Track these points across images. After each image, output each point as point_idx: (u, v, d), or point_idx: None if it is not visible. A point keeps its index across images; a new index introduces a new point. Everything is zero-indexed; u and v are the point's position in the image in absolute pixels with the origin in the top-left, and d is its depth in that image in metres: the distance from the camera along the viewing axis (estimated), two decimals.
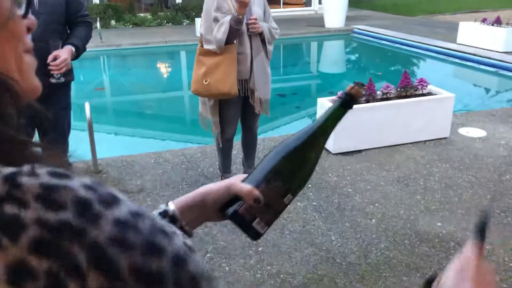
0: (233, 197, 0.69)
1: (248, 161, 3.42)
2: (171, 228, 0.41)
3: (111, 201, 0.36)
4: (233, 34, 2.81)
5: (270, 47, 3.04)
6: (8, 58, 0.43)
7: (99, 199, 0.35)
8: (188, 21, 13.21)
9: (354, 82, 0.81)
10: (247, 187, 0.68)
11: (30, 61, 0.47)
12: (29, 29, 0.47)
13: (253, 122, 3.23)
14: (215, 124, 3.11)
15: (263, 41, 2.97)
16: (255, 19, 2.87)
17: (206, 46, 2.90)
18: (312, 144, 0.71)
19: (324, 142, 0.73)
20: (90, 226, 0.33)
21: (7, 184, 0.33)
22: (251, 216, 0.68)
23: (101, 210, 0.34)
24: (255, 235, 0.70)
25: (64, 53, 2.49)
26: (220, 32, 2.80)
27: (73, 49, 2.56)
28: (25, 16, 0.46)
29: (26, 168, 0.35)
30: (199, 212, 0.71)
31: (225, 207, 0.70)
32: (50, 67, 2.42)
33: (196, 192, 0.73)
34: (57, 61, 2.43)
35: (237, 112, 3.15)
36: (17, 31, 0.45)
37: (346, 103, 0.70)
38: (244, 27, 2.86)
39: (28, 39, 0.47)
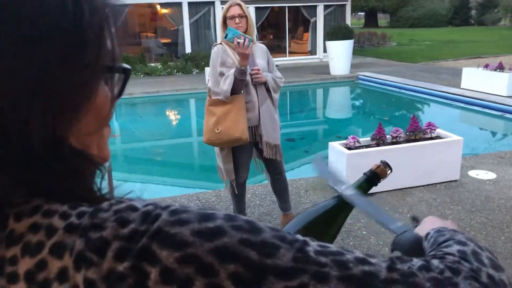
0: None
1: (283, 204, 3.48)
2: None
3: (166, 209, 0.43)
4: (238, 84, 2.97)
5: (275, 95, 3.18)
6: (93, 137, 0.49)
7: (161, 207, 0.42)
8: (197, 70, 13.61)
9: (380, 161, 0.84)
10: None
11: (108, 132, 0.52)
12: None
13: (276, 167, 3.32)
14: (229, 171, 3.19)
15: (268, 90, 3.12)
16: (258, 69, 3.03)
17: (214, 97, 3.05)
18: (333, 216, 0.76)
19: (346, 215, 0.77)
20: (151, 226, 0.40)
21: (91, 217, 0.41)
22: None
23: (160, 213, 0.41)
24: None
25: None
26: (226, 84, 2.96)
27: None
28: (117, 98, 0.51)
29: (106, 203, 0.43)
30: None
31: None
32: None
33: None
34: None
35: (249, 157, 3.26)
36: (110, 114, 0.50)
37: (371, 181, 0.74)
38: (248, 78, 3.02)
39: (112, 113, 0.52)
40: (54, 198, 0.43)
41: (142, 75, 13.36)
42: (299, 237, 0.43)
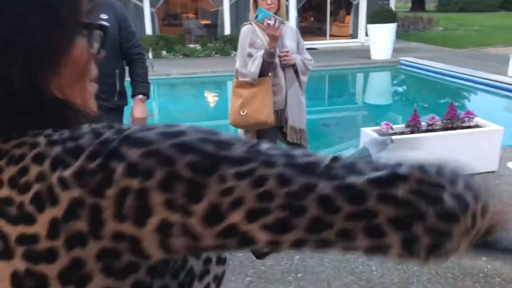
0: None
1: None
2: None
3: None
4: (267, 67, 2.92)
5: (304, 78, 3.12)
6: (76, 89, 0.52)
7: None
8: (235, 52, 13.58)
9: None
10: None
11: (91, 88, 0.56)
12: (96, 58, 0.55)
13: None
14: None
15: (296, 73, 3.06)
16: (287, 51, 2.97)
17: (241, 79, 3.02)
18: None
19: None
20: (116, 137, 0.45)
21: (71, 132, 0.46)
22: None
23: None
24: (261, 255, 0.74)
25: (139, 112, 2.91)
26: (254, 65, 2.92)
27: (142, 97, 2.92)
28: (97, 54, 0.55)
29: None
30: None
31: None
32: None
33: None
34: (137, 122, 2.89)
35: (274, 141, 3.23)
36: (88, 68, 0.53)
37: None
38: (277, 60, 2.96)
39: (94, 68, 0.55)
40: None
41: (181, 56, 13.48)
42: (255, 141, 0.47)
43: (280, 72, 3.02)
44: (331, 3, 16.37)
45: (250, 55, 2.99)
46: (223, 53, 13.74)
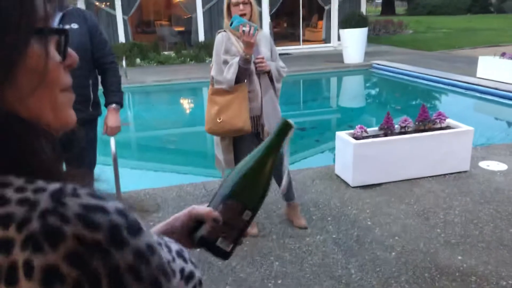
0: (198, 222, 0.74)
1: (286, 195, 3.44)
2: (174, 263, 0.52)
3: (137, 230, 0.42)
4: (242, 73, 2.93)
5: (278, 85, 3.15)
6: (43, 101, 0.47)
7: (127, 226, 0.41)
8: (210, 59, 13.57)
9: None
10: (205, 209, 0.73)
11: (66, 98, 0.51)
12: (70, 66, 0.52)
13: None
14: (229, 162, 3.17)
15: (271, 79, 3.08)
16: (262, 58, 2.99)
17: (217, 86, 3.03)
18: (260, 163, 0.76)
19: (273, 160, 0.77)
20: (116, 250, 0.39)
21: (53, 201, 0.40)
22: (214, 236, 0.73)
23: (127, 237, 0.40)
24: (224, 255, 0.74)
25: (112, 121, 2.90)
26: (230, 72, 2.92)
27: (116, 106, 2.91)
28: (63, 60, 0.50)
29: (69, 187, 0.42)
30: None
31: (192, 233, 0.74)
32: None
33: (166, 221, 0.76)
34: (111, 132, 2.94)
35: (250, 147, 3.22)
36: (53, 76, 0.49)
37: (288, 124, 0.76)
38: (252, 67, 2.98)
39: (67, 77, 0.51)
40: (5, 170, 0.43)
41: (155, 64, 13.38)
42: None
43: (255, 79, 3.03)
44: (303, 9, 16.53)
45: (225, 62, 2.99)
46: (197, 59, 13.70)
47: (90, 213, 0.40)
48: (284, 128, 0.77)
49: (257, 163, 0.76)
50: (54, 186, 0.42)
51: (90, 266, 0.38)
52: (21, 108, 0.45)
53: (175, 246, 0.60)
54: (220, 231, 0.73)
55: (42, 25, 0.47)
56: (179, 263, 0.57)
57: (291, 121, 0.79)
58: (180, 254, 0.58)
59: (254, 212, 0.74)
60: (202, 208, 0.73)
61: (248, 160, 0.77)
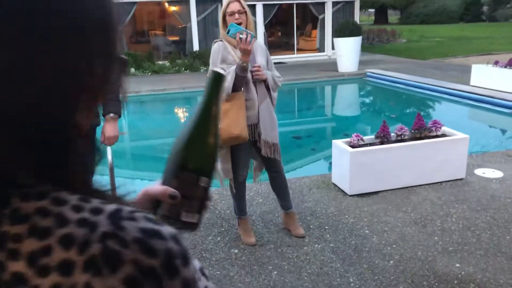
0: (156, 203, 0.70)
1: (283, 202, 3.44)
2: (201, 283, 0.52)
3: (187, 259, 0.43)
4: (240, 81, 2.94)
5: (274, 94, 3.16)
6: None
7: (180, 254, 0.43)
8: (205, 68, 13.61)
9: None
10: (159, 188, 0.70)
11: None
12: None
13: (274, 166, 3.29)
14: (227, 171, 3.17)
15: (267, 88, 3.09)
16: (259, 66, 3.01)
17: None
18: (201, 125, 0.71)
19: (213, 118, 0.73)
20: (168, 278, 0.41)
21: (112, 224, 0.41)
22: (176, 212, 0.69)
23: (179, 266, 0.42)
24: (192, 227, 0.70)
25: (110, 131, 2.88)
26: (227, 80, 2.93)
27: (114, 116, 2.90)
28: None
29: (126, 209, 0.43)
30: None
31: (154, 214, 0.70)
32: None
33: None
34: (108, 141, 2.90)
35: (248, 156, 3.23)
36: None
37: (217, 77, 0.73)
38: (249, 75, 2.99)
39: None
40: (59, 185, 0.44)
41: (150, 73, 13.38)
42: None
43: (252, 87, 3.04)
44: (297, 18, 16.63)
45: (222, 71, 3.00)
46: (192, 69, 13.73)
47: (148, 238, 0.41)
48: (216, 81, 0.74)
49: (198, 126, 0.71)
50: (110, 207, 0.43)
51: None
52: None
53: (197, 264, 0.60)
54: (181, 205, 0.69)
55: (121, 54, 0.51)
56: (203, 280, 0.57)
57: (220, 70, 0.77)
58: (202, 272, 0.59)
59: (210, 176, 0.71)
60: (156, 188, 0.70)
61: (189, 126, 0.71)
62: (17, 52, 0.40)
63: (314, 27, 16.99)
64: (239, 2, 2.99)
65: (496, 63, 9.11)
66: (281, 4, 15.86)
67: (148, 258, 0.40)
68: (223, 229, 3.56)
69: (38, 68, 0.41)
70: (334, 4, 15.86)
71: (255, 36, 2.94)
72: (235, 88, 2.96)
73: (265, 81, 3.07)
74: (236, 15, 2.97)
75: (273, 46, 16.65)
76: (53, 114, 0.43)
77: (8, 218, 0.41)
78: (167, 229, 0.43)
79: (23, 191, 0.42)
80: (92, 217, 0.41)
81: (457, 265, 2.96)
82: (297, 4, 16.07)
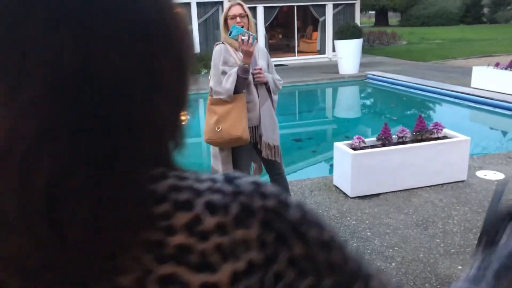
0: None
1: None
2: None
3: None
4: (241, 83, 2.95)
5: (275, 97, 3.18)
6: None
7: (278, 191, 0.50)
8: (206, 70, 13.63)
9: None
10: None
11: None
12: None
13: (275, 168, 3.29)
14: None
15: (268, 91, 3.10)
16: (260, 69, 3.02)
17: (216, 97, 3.04)
18: None
19: None
20: (285, 212, 0.47)
21: (231, 186, 0.47)
22: None
23: (289, 201, 0.49)
24: None
25: None
26: (229, 82, 2.94)
27: None
28: None
29: (221, 175, 0.49)
30: None
31: None
32: None
33: None
34: None
35: (249, 157, 3.24)
36: None
37: None
38: (250, 77, 3.00)
39: None
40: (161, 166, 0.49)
41: None
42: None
43: (253, 90, 3.05)
44: (298, 20, 16.66)
45: (224, 73, 3.01)
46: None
47: (260, 188, 0.47)
48: None
49: None
50: (216, 176, 0.49)
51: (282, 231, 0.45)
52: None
53: None
54: None
55: None
56: None
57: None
58: None
59: None
60: None
61: None
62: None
63: (315, 29, 17.01)
64: (241, 5, 3.01)
65: (497, 65, 9.12)
66: (281, 6, 15.91)
67: (267, 201, 0.46)
68: None
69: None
70: (334, 6, 15.89)
71: (256, 38, 2.95)
72: (237, 90, 2.96)
73: (266, 84, 3.08)
74: (238, 19, 2.98)
75: (274, 49, 16.68)
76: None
77: (149, 199, 0.45)
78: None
79: (149, 175, 0.46)
80: (215, 184, 0.47)
81: (459, 267, 2.95)
82: (298, 6, 16.11)
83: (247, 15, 3.02)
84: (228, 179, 0.48)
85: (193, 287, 0.42)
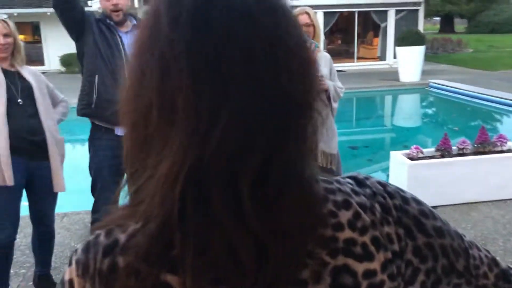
0: None
1: None
2: None
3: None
4: None
5: (335, 105, 3.15)
6: None
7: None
8: None
9: None
10: None
11: None
12: None
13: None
14: None
15: (328, 98, 3.09)
16: (321, 76, 3.02)
17: None
18: None
19: None
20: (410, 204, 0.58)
21: (380, 185, 0.57)
22: None
23: (408, 195, 0.60)
24: None
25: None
26: None
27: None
28: None
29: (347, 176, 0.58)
30: None
31: None
32: None
33: None
34: None
35: None
36: None
37: None
38: None
39: None
40: None
41: None
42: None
43: None
44: (358, 26, 16.45)
45: None
46: None
47: (387, 187, 0.57)
48: None
49: None
50: (346, 178, 0.57)
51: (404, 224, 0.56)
52: None
53: None
54: None
55: None
56: None
57: None
58: None
59: None
60: None
61: None
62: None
63: (376, 35, 16.74)
64: (308, 14, 3.03)
65: None
66: (342, 11, 15.77)
67: (395, 200, 0.56)
68: None
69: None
70: (397, 12, 15.54)
71: (318, 46, 2.97)
72: None
73: (326, 91, 3.08)
74: (304, 28, 3.01)
75: (333, 54, 16.28)
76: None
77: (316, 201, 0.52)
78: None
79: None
80: (353, 187, 0.55)
81: None
82: (358, 12, 15.91)
83: (314, 24, 3.05)
84: (358, 181, 0.56)
85: (359, 275, 0.50)
